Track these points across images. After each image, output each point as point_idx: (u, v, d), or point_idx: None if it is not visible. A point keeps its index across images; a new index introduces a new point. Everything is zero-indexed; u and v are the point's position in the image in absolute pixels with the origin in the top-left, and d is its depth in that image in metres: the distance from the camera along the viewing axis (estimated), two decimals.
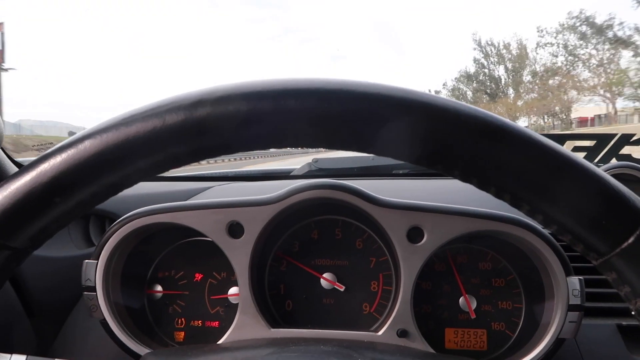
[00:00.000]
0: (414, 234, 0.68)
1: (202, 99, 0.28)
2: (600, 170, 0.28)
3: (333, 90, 0.28)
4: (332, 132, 0.29)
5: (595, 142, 1.25)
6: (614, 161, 1.20)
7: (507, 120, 0.29)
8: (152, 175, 0.31)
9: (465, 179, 0.29)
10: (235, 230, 0.70)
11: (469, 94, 48.54)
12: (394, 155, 0.30)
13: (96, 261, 0.69)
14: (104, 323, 0.70)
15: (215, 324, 0.78)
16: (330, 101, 0.28)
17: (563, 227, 0.28)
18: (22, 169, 0.29)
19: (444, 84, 51.45)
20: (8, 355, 0.43)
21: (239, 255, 0.70)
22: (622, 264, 0.28)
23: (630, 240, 0.27)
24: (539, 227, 0.66)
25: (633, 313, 0.29)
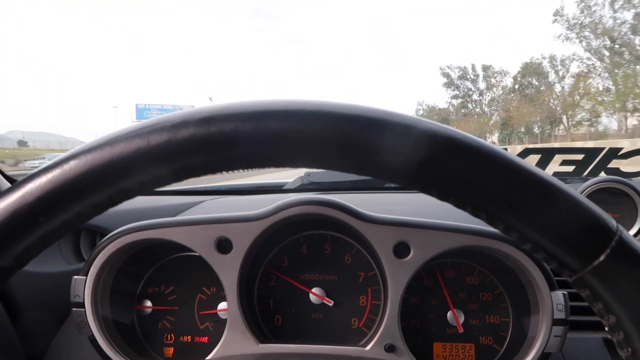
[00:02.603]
0: (401, 249, 0.69)
1: (185, 120, 0.29)
2: (572, 190, 0.29)
3: (309, 111, 0.29)
4: (315, 152, 0.29)
5: (583, 155, 1.27)
6: (602, 175, 1.22)
7: (477, 138, 0.30)
8: (136, 195, 0.32)
9: (443, 197, 0.30)
10: (224, 245, 0.70)
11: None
12: (375, 176, 0.30)
13: (85, 277, 0.70)
14: (93, 340, 0.70)
15: (205, 339, 0.78)
16: (309, 122, 0.29)
17: (537, 245, 0.29)
18: (8, 189, 0.30)
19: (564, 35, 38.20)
20: None
21: (228, 270, 0.70)
22: (594, 281, 0.28)
23: (601, 258, 0.27)
24: None
25: (607, 329, 0.30)
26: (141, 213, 0.96)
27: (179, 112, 0.30)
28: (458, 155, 0.28)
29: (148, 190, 0.31)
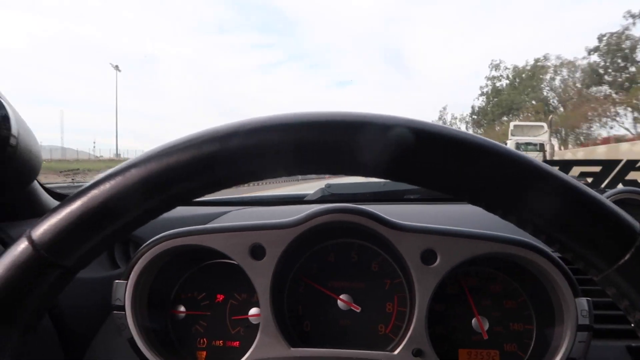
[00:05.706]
0: (428, 256, 0.71)
1: (236, 131, 0.32)
2: (596, 193, 0.31)
3: (354, 122, 0.32)
4: (354, 160, 0.32)
5: (601, 167, 1.29)
6: (620, 186, 1.24)
7: (501, 144, 0.32)
8: (188, 200, 0.35)
9: (474, 202, 0.33)
10: (257, 252, 0.73)
11: None
12: (408, 181, 0.33)
13: (126, 281, 0.73)
14: (132, 342, 0.73)
15: (236, 343, 0.81)
16: (355, 132, 0.32)
17: (565, 246, 0.32)
18: (74, 195, 0.33)
19: None
20: None
21: (261, 276, 0.73)
22: (620, 279, 0.30)
23: (627, 256, 0.30)
24: (547, 249, 0.69)
25: (633, 325, 0.32)
26: (171, 222, 1.00)
27: (229, 124, 0.34)
28: (489, 161, 0.31)
29: (199, 196, 0.35)
